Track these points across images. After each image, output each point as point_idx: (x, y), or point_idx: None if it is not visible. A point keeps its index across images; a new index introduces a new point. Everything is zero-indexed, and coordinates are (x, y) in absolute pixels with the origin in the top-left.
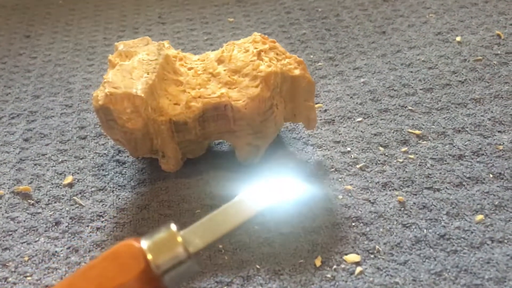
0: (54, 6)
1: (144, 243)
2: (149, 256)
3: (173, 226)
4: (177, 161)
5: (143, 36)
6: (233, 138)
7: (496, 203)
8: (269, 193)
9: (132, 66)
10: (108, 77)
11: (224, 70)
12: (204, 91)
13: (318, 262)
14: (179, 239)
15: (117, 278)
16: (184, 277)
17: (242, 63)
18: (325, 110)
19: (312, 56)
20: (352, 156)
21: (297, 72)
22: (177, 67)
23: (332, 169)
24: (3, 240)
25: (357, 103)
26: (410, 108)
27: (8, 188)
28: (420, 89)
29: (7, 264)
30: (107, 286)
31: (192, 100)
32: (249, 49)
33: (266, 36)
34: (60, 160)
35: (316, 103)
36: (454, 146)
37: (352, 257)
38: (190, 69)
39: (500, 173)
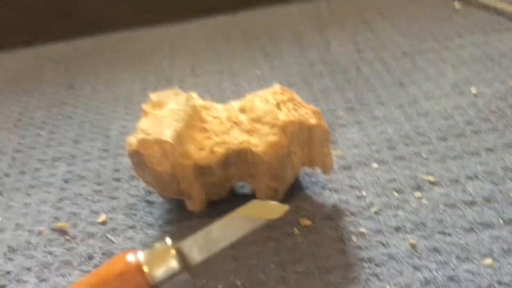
0: (96, 60)
1: (141, 255)
2: (145, 269)
3: (168, 240)
4: (202, 202)
5: (176, 87)
6: (254, 181)
7: (505, 247)
8: (266, 209)
9: (162, 115)
10: (141, 124)
11: (246, 119)
12: (227, 137)
13: None
14: (173, 252)
15: None
16: None
17: (262, 112)
18: (343, 157)
19: (332, 106)
20: (367, 201)
21: (313, 121)
22: (203, 115)
23: (348, 212)
24: (41, 273)
25: (373, 150)
26: (424, 156)
27: (48, 225)
28: (435, 138)
29: None
30: None
31: (216, 146)
32: (269, 100)
33: (286, 87)
34: (95, 200)
35: (335, 149)
36: (466, 193)
37: None
38: (215, 117)
39: (510, 219)
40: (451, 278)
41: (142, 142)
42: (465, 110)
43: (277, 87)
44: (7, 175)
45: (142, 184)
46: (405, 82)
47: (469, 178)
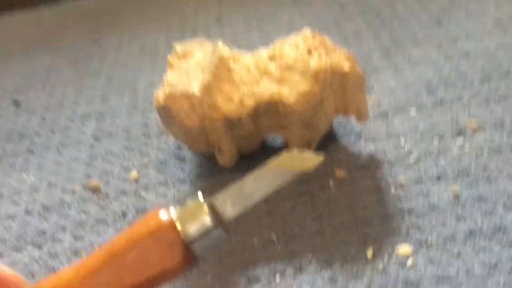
0: (119, 13)
1: (173, 212)
2: (178, 226)
3: (200, 196)
4: (233, 156)
5: (202, 36)
6: (285, 133)
7: None
8: (300, 160)
9: (189, 67)
10: (167, 77)
11: (276, 67)
12: (256, 88)
13: (369, 253)
14: (205, 208)
15: (159, 265)
16: (214, 246)
17: (292, 59)
18: (379, 103)
19: (366, 50)
20: (406, 149)
21: (346, 67)
22: (231, 66)
23: (385, 162)
24: (76, 231)
25: (411, 95)
26: (466, 99)
27: (81, 183)
28: (478, 79)
29: (79, 253)
30: (149, 274)
31: (245, 98)
32: (299, 46)
33: (317, 32)
34: (126, 156)
35: (370, 96)
36: None
37: (404, 249)
38: (243, 67)
39: None
40: (498, 228)
41: (169, 96)
42: (510, 48)
43: (307, 31)
44: (37, 134)
45: (172, 139)
46: (443, 20)
47: None
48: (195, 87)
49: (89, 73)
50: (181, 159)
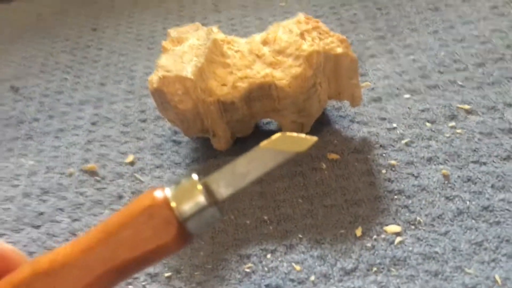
0: (117, 1)
1: (168, 191)
2: (173, 204)
3: (195, 175)
4: (227, 140)
5: (199, 24)
6: (279, 117)
7: None
8: (294, 142)
9: (183, 51)
10: (161, 61)
11: (269, 51)
12: (249, 72)
13: (358, 233)
14: (200, 187)
15: (154, 241)
16: (207, 224)
17: (285, 43)
18: (373, 88)
19: (362, 36)
20: (398, 132)
21: (339, 50)
22: (225, 50)
23: (377, 145)
24: (73, 213)
25: (405, 80)
26: (460, 83)
27: (78, 167)
28: (472, 64)
29: (76, 234)
30: (144, 250)
31: (239, 81)
32: (293, 30)
33: (311, 16)
34: (123, 141)
35: (364, 81)
36: (504, 120)
37: (393, 228)
38: (237, 51)
39: None
40: (486, 208)
41: (163, 79)
42: (505, 33)
43: (301, 16)
44: (36, 119)
45: (168, 124)
46: (440, 6)
47: (508, 105)
48: (188, 70)
49: (86, 60)
50: (177, 143)
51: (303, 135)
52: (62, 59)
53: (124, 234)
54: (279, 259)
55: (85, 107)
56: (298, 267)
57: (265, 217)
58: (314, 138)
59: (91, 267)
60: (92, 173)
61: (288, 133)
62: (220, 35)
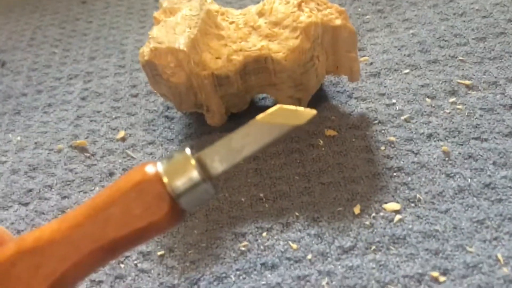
0: None
1: (160, 166)
2: (165, 179)
3: (188, 150)
4: (221, 115)
5: None
6: (275, 91)
7: None
8: (292, 115)
9: (175, 22)
10: (153, 33)
11: (265, 23)
12: (245, 44)
13: (357, 210)
14: (193, 162)
15: (145, 218)
16: (201, 200)
17: (282, 15)
18: (371, 63)
19: (360, 9)
20: (397, 108)
21: (338, 22)
22: (219, 21)
23: (376, 121)
24: (63, 190)
25: (404, 55)
26: (460, 58)
27: (67, 143)
28: (473, 39)
29: (65, 211)
30: (134, 227)
31: (233, 54)
32: (290, 0)
33: None
34: (113, 116)
35: (363, 56)
36: (505, 96)
37: (392, 206)
38: (231, 23)
39: None
40: (487, 185)
41: (155, 51)
42: (506, 7)
43: None
44: (24, 94)
45: (160, 99)
46: None
47: (509, 80)
48: (181, 42)
49: (76, 33)
50: (169, 119)
51: (301, 108)
52: (50, 32)
53: (113, 210)
54: (275, 237)
55: (75, 82)
56: (294, 246)
57: (261, 195)
58: (313, 111)
59: (79, 244)
60: (82, 149)
61: (286, 106)
62: (214, 6)
